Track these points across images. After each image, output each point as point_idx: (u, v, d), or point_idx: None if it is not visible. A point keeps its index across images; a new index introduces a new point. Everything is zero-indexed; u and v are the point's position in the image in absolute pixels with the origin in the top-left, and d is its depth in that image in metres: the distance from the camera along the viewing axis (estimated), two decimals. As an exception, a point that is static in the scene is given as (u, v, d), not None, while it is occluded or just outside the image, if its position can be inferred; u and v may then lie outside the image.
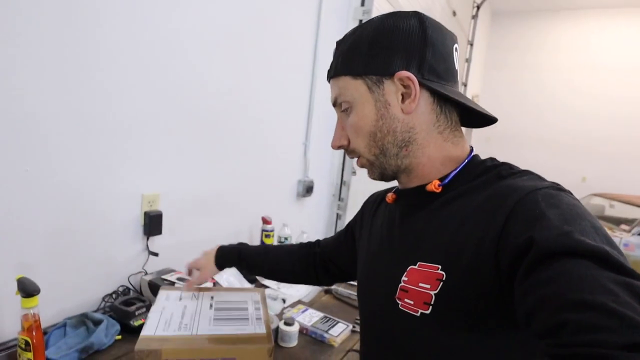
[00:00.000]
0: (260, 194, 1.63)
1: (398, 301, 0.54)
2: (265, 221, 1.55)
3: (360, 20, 1.95)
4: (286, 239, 1.55)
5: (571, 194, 0.48)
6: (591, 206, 4.61)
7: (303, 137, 1.82)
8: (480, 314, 0.47)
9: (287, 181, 1.81)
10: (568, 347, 0.32)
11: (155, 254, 1.18)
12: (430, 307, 0.50)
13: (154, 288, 1.10)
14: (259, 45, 1.46)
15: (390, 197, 0.66)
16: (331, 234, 2.20)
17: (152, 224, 1.15)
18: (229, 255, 0.90)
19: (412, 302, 0.52)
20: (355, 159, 0.63)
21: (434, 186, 0.56)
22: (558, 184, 0.49)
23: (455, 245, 0.49)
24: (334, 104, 0.62)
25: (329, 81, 0.63)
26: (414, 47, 0.54)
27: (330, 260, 0.87)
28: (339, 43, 0.61)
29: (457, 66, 0.58)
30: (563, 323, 0.34)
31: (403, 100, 0.55)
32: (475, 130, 6.34)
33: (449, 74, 0.57)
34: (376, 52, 0.55)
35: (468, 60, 4.75)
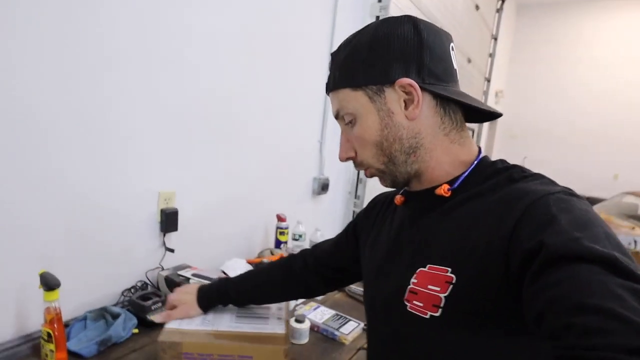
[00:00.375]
0: (275, 192, 1.65)
1: (406, 303, 0.54)
2: (280, 219, 1.56)
3: (377, 17, 1.93)
4: (300, 236, 1.57)
5: (583, 199, 0.47)
6: (623, 205, 4.41)
7: (318, 135, 1.83)
8: (489, 317, 0.47)
9: (303, 179, 1.82)
10: (574, 349, 0.33)
11: (172, 250, 1.21)
12: (440, 310, 0.50)
13: (170, 283, 1.13)
14: (273, 44, 1.48)
15: (398, 199, 0.66)
16: (347, 231, 2.21)
17: (169, 221, 1.18)
18: (210, 294, 0.87)
19: (421, 305, 0.52)
20: (363, 171, 0.63)
21: (443, 191, 0.56)
22: (570, 189, 0.48)
23: (465, 248, 0.49)
24: (337, 117, 0.62)
25: (328, 94, 0.63)
26: (411, 52, 0.54)
27: (332, 269, 0.84)
28: (334, 55, 0.61)
29: (455, 65, 0.59)
30: (569, 326, 0.34)
31: (406, 106, 0.55)
32: (499, 128, 6.19)
33: (448, 74, 0.57)
34: (373, 61, 0.55)
35: (492, 55, 4.62)
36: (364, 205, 2.29)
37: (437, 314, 0.50)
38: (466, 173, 0.56)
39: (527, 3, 6.14)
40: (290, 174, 1.73)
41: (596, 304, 0.34)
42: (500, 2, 4.44)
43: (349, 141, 0.61)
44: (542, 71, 6.18)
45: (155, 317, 0.82)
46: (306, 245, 1.59)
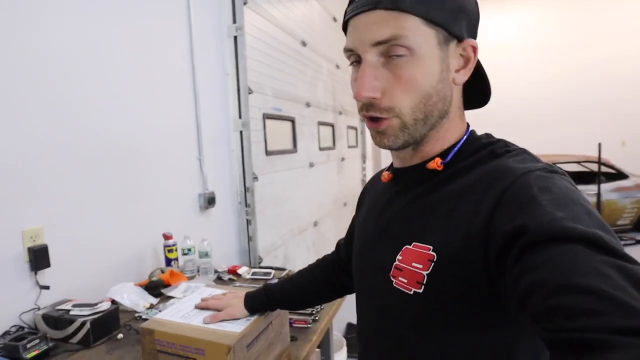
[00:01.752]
0: (161, 213, 1.68)
1: (392, 279, 0.54)
2: (166, 237, 1.60)
3: (235, 37, 2.08)
4: (189, 250, 1.62)
5: (566, 175, 0.46)
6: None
7: (196, 152, 1.91)
8: (469, 297, 0.47)
9: (188, 196, 1.87)
10: (562, 332, 0.32)
11: (47, 287, 1.19)
12: (423, 287, 0.50)
13: (50, 321, 1.11)
14: (136, 73, 1.53)
15: (386, 175, 0.63)
16: (244, 239, 2.30)
17: (38, 258, 1.16)
18: (257, 297, 0.88)
19: (405, 281, 0.52)
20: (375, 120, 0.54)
21: (436, 164, 0.54)
22: (552, 165, 0.47)
23: (446, 227, 0.49)
24: (378, 43, 0.49)
25: (371, 9, 0.49)
26: (475, 16, 0.52)
27: (349, 261, 0.79)
28: None
29: None
30: (556, 307, 0.33)
31: (457, 69, 0.52)
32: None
33: None
34: (453, 8, 0.49)
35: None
36: (256, 212, 2.39)
37: (420, 291, 0.50)
38: (458, 146, 0.54)
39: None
40: (174, 194, 1.77)
41: (582, 283, 0.33)
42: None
43: (377, 79, 0.50)
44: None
45: (205, 319, 0.86)
46: (196, 257, 1.66)
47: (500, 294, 0.43)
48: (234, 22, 2.06)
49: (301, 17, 2.88)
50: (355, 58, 0.53)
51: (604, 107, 6.07)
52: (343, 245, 0.86)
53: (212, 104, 2.01)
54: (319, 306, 1.27)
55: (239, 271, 1.62)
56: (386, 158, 7.68)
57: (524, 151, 0.51)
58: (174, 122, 1.77)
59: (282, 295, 0.88)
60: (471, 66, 0.52)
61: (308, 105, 3.16)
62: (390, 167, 0.64)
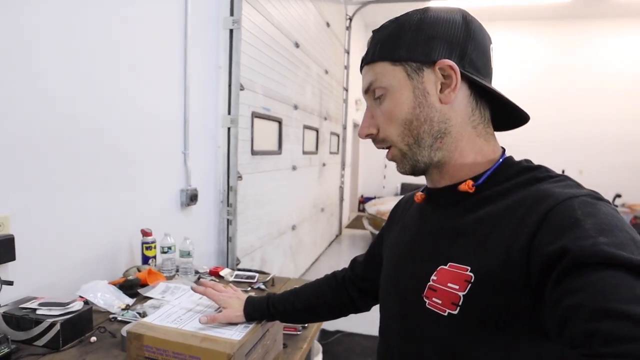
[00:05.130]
0: (139, 207, 1.58)
1: (425, 299, 0.53)
2: (145, 233, 1.50)
3: (231, 30, 2.01)
4: (169, 248, 1.53)
5: (609, 203, 0.46)
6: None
7: (182, 146, 1.81)
8: (508, 318, 0.46)
9: (169, 191, 1.78)
10: (599, 357, 0.32)
11: (10, 283, 1.07)
12: (458, 308, 0.49)
13: (12, 320, 1.00)
14: (125, 57, 1.44)
15: (419, 196, 0.64)
16: (223, 239, 2.22)
17: (1, 250, 1.04)
18: (258, 305, 0.84)
19: (440, 302, 0.51)
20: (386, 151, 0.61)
21: (468, 186, 0.55)
22: (596, 193, 0.47)
23: (485, 248, 0.49)
24: (366, 91, 0.60)
25: (362, 69, 0.61)
26: (457, 39, 0.54)
27: (367, 279, 0.79)
28: (375, 31, 0.60)
29: (492, 66, 0.59)
30: (594, 332, 0.33)
31: (442, 90, 0.55)
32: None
33: (487, 70, 0.57)
34: (418, 40, 0.55)
35: (347, 67, 5.14)
36: (237, 212, 2.32)
37: (455, 312, 0.49)
38: (491, 170, 0.55)
39: (372, 22, 7.01)
40: (155, 188, 1.67)
41: (623, 310, 0.33)
42: (348, 21, 4.99)
43: (373, 118, 0.59)
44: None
45: (201, 319, 0.80)
46: (177, 256, 1.56)
47: (539, 318, 0.43)
48: (232, 14, 1.99)
49: (297, 18, 2.84)
50: None
51: (565, 140, 6.59)
52: (362, 263, 0.82)
53: (202, 97, 1.92)
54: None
55: (222, 273, 1.54)
56: (364, 168, 7.71)
57: (566, 177, 0.51)
58: (160, 112, 1.67)
59: (285, 308, 0.83)
60: (456, 83, 0.54)
61: (296, 107, 3.11)
62: (425, 189, 0.65)
